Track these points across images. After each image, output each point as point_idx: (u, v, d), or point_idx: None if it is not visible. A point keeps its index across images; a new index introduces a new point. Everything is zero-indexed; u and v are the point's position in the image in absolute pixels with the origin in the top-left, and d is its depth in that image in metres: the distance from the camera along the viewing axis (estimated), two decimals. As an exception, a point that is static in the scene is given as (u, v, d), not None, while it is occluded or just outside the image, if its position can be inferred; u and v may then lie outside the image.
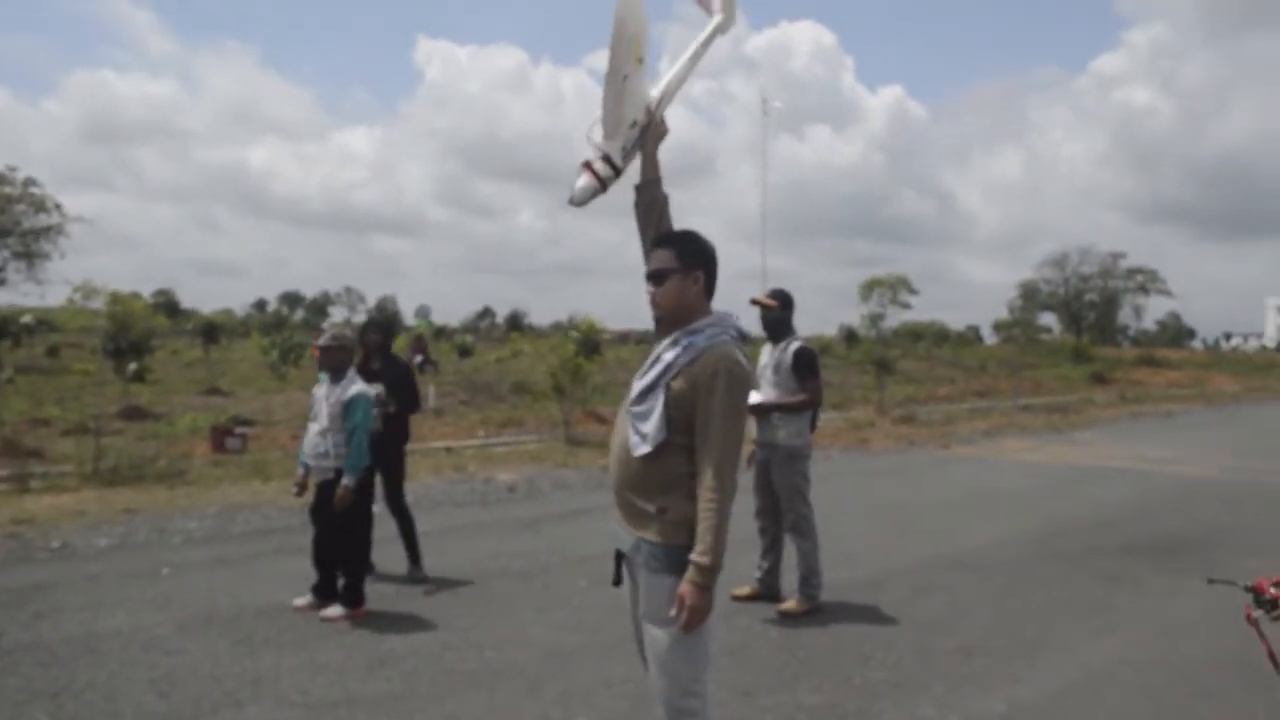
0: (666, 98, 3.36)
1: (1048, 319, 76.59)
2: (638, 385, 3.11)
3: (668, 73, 3.42)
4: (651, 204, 3.32)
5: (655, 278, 3.16)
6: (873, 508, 10.40)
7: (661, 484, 3.03)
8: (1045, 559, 7.99)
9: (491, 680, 5.03)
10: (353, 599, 6.12)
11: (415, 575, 6.97)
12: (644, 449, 3.02)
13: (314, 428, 6.25)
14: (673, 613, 2.93)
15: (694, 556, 2.91)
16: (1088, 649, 5.73)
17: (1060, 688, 5.07)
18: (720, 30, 3.60)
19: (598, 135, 3.25)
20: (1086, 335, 71.95)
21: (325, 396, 6.21)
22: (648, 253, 3.29)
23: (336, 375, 6.24)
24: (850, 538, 8.51)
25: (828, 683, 5.04)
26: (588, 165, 3.25)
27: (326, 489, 6.19)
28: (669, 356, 3.08)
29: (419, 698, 4.77)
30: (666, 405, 3.01)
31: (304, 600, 6.23)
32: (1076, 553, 8.23)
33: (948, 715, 4.63)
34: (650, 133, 3.31)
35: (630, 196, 3.37)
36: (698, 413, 2.99)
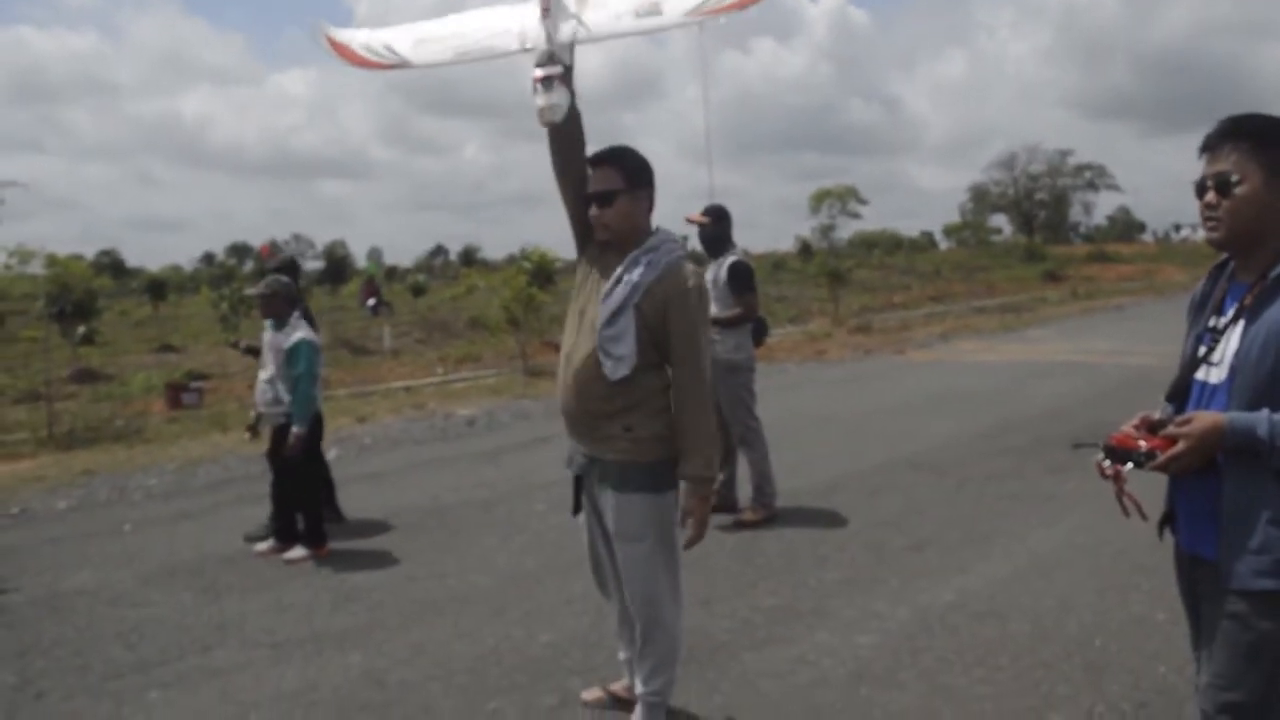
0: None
1: (999, 220, 76.95)
2: (604, 309, 3.07)
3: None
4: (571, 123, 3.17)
5: (602, 199, 3.10)
6: (828, 417, 10.54)
7: (628, 403, 3.06)
8: (997, 454, 8.17)
9: (456, 607, 5.11)
10: (315, 539, 6.16)
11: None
12: (622, 371, 3.03)
13: (262, 375, 6.26)
14: (652, 529, 3.11)
15: (696, 471, 3.03)
16: (1036, 537, 5.91)
17: (1009, 574, 5.24)
18: None
19: (566, 33, 3.01)
20: (1038, 235, 72.36)
21: (270, 344, 6.20)
22: (567, 173, 3.18)
23: (279, 322, 6.21)
24: (806, 446, 8.64)
25: (784, 586, 5.18)
26: (562, 79, 2.98)
27: (280, 434, 6.20)
28: (633, 277, 3.06)
29: (385, 629, 4.85)
30: (638, 326, 3.02)
31: (266, 545, 6.27)
32: (1027, 446, 8.42)
33: (898, 608, 4.78)
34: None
35: None
36: (671, 329, 3.03)
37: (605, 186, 3.10)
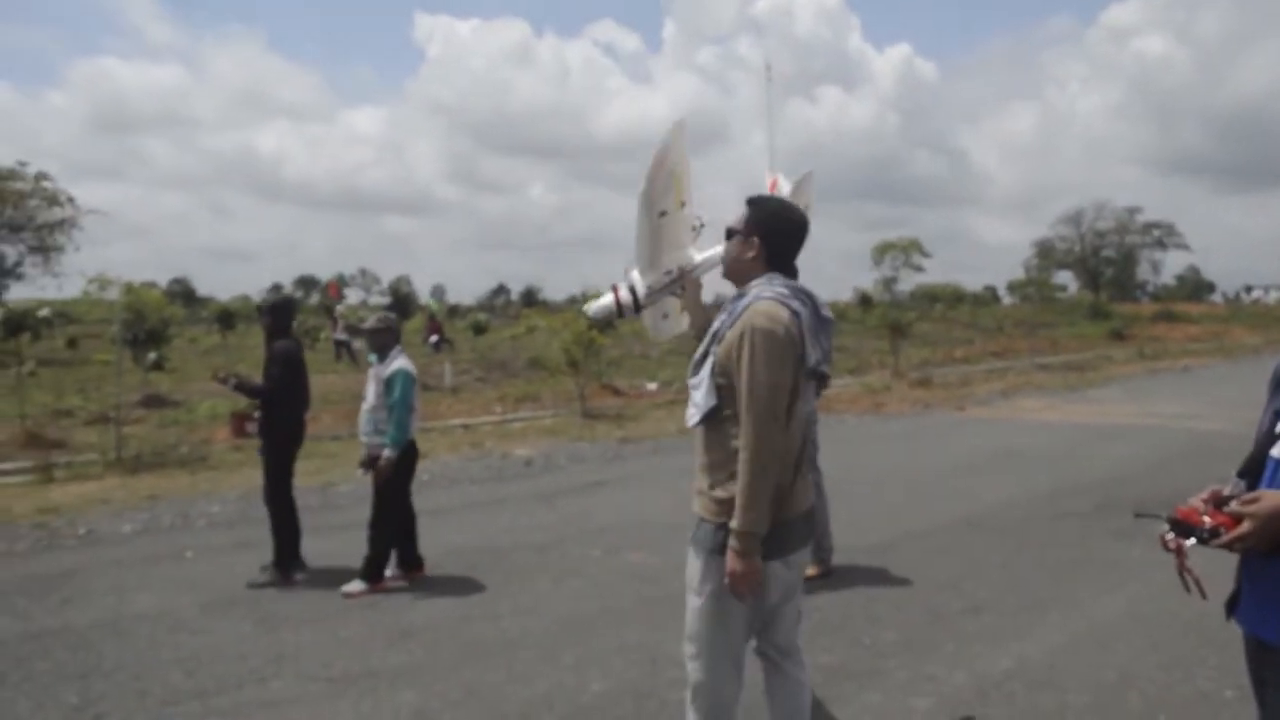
0: (708, 264, 3.48)
1: (1064, 277, 75.95)
2: (696, 355, 3.08)
3: (717, 247, 3.57)
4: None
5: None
6: (887, 472, 10.45)
7: (713, 461, 2.96)
8: (1058, 518, 8.05)
9: (509, 650, 5.13)
10: (373, 574, 6.24)
11: (267, 575, 6.58)
12: (695, 419, 2.99)
13: (364, 406, 6.47)
14: (707, 586, 2.94)
15: (735, 524, 2.83)
16: (1097, 605, 5.79)
17: (1068, 643, 5.14)
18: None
19: (636, 275, 3.54)
20: (1104, 292, 71.34)
21: (373, 375, 6.46)
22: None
23: (382, 354, 6.45)
24: (864, 502, 8.58)
25: (839, 644, 5.13)
26: (615, 289, 3.53)
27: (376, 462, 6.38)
28: (716, 324, 3.04)
29: (439, 668, 4.88)
30: (713, 372, 2.94)
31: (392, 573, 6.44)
32: (1089, 511, 8.28)
33: (955, 673, 4.71)
34: (689, 287, 3.45)
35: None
36: (734, 378, 2.89)
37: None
